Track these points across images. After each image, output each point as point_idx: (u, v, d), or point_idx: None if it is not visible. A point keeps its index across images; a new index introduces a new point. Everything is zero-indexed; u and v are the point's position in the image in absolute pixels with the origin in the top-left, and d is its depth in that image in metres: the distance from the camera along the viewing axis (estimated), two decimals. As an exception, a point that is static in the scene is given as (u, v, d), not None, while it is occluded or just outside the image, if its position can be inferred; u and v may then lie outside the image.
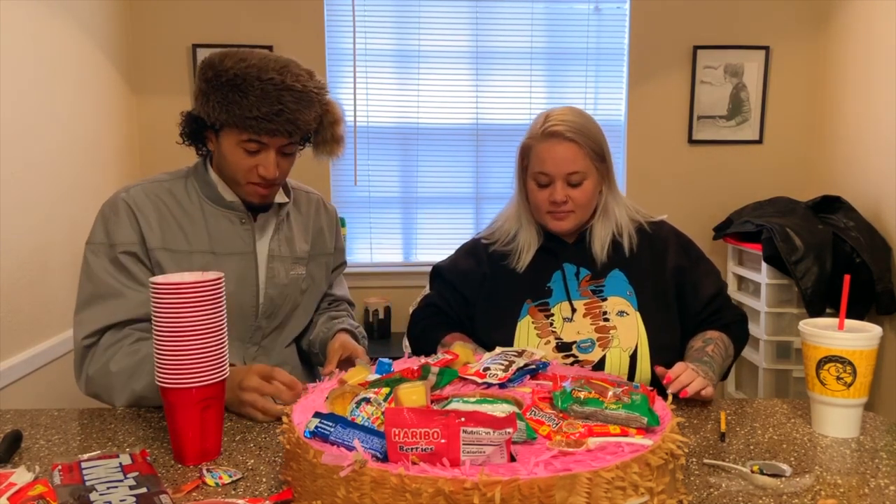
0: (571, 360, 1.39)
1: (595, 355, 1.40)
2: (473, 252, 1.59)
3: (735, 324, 1.52)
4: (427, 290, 1.70)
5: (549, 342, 1.42)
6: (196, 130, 1.39)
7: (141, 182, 1.43)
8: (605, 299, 1.46)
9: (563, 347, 1.42)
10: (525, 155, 1.49)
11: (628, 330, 1.42)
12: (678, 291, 1.50)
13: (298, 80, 1.33)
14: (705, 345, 1.43)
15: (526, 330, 1.45)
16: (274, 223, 1.48)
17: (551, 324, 1.44)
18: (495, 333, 1.46)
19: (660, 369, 1.32)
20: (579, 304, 1.46)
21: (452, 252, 1.65)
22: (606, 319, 1.44)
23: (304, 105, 1.33)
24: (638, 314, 1.44)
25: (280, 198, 1.48)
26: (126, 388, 1.28)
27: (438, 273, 1.63)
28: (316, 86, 1.37)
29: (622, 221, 1.51)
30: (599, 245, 1.49)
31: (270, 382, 1.23)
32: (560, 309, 1.46)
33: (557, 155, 1.42)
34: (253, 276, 1.44)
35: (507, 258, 1.53)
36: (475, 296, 1.53)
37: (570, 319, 1.44)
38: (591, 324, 1.43)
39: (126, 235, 1.35)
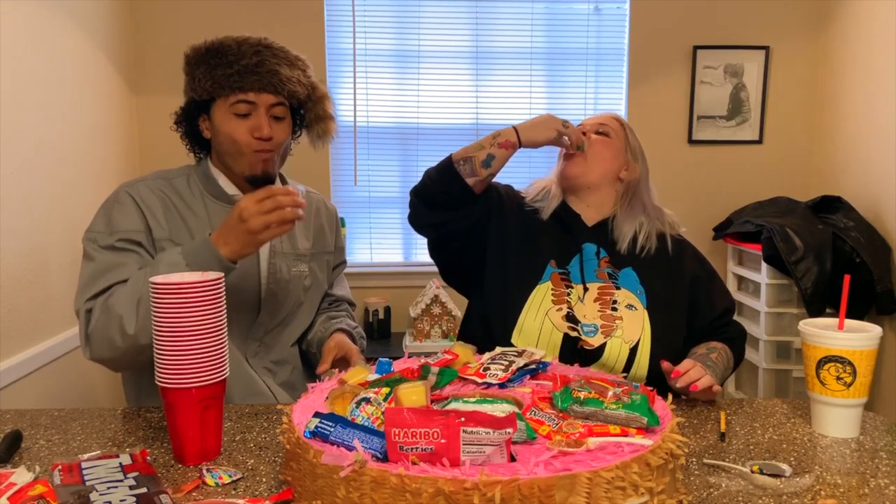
0: (575, 335, 1.40)
1: (596, 340, 1.41)
2: (514, 193, 1.63)
3: (738, 339, 1.54)
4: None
5: (560, 310, 1.43)
6: (190, 120, 1.43)
7: (142, 178, 1.43)
8: (619, 288, 1.47)
9: (571, 318, 1.43)
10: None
11: (634, 324, 1.43)
12: (691, 301, 1.51)
13: (276, 44, 1.40)
14: (709, 352, 1.43)
15: (543, 293, 1.46)
16: None
17: (568, 294, 1.46)
18: (516, 288, 1.47)
19: (666, 364, 1.32)
20: (592, 287, 1.47)
21: None
22: (615, 309, 1.45)
23: (285, 63, 1.39)
24: (646, 311, 1.45)
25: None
26: (131, 305, 1.22)
27: None
28: (296, 55, 1.43)
29: (647, 224, 1.53)
30: (620, 236, 1.52)
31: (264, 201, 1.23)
32: (576, 290, 1.47)
33: (597, 118, 1.59)
34: (255, 271, 1.45)
35: (534, 216, 1.55)
36: (499, 218, 1.53)
37: (581, 300, 1.45)
38: (599, 310, 1.44)
39: (130, 223, 1.34)
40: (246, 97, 1.36)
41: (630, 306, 1.45)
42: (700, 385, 1.25)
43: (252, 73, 1.35)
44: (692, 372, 1.27)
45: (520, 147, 1.45)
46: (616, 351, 1.40)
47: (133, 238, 1.34)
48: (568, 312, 1.43)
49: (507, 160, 1.46)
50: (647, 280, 1.49)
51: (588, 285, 1.47)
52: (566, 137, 1.47)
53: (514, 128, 1.45)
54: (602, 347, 1.40)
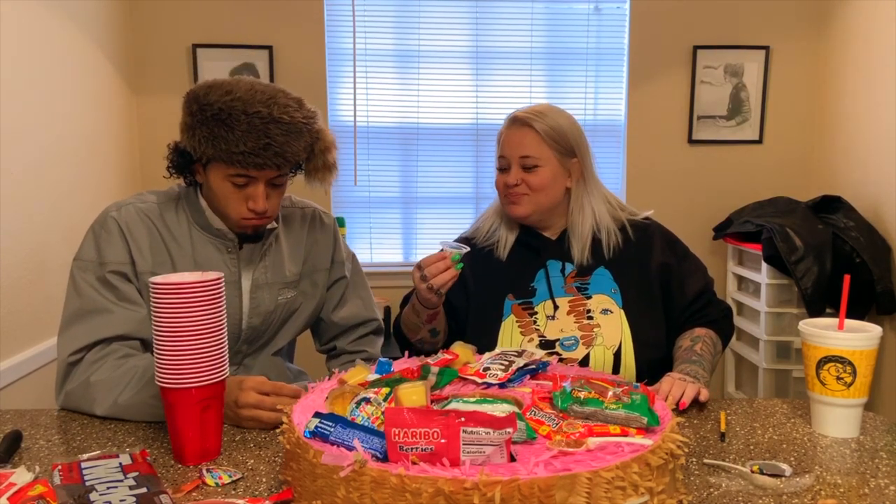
0: (556, 358, 1.40)
1: (579, 353, 1.41)
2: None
3: (721, 319, 1.52)
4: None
5: (532, 340, 1.43)
6: (183, 163, 1.37)
7: (132, 200, 1.40)
8: (589, 297, 1.47)
9: (546, 345, 1.42)
10: (497, 144, 1.55)
11: (612, 328, 1.43)
12: (663, 289, 1.50)
13: (286, 112, 1.29)
14: (693, 343, 1.43)
15: (510, 329, 1.46)
16: (260, 251, 1.44)
17: (535, 321, 1.45)
18: (479, 333, 1.46)
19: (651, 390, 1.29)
20: (563, 302, 1.46)
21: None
22: (590, 318, 1.44)
23: (293, 137, 1.30)
24: (622, 312, 1.45)
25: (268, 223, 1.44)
26: (108, 398, 1.23)
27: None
28: (305, 116, 1.33)
29: (601, 218, 1.51)
30: (579, 244, 1.49)
31: (269, 395, 1.19)
32: (543, 307, 1.46)
33: (513, 139, 1.49)
34: (236, 304, 1.42)
35: (491, 255, 1.54)
36: (456, 294, 1.51)
37: (553, 317, 1.45)
38: (575, 322, 1.44)
39: (116, 255, 1.33)
40: (247, 173, 1.30)
41: (605, 311, 1.45)
42: (686, 399, 1.23)
43: (257, 156, 1.27)
44: (674, 391, 1.24)
45: (437, 299, 1.39)
46: (600, 358, 1.40)
47: (120, 270, 1.33)
48: (540, 340, 1.43)
49: (439, 311, 1.45)
50: (619, 277, 1.48)
51: (558, 301, 1.46)
52: (431, 283, 1.35)
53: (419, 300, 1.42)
54: (586, 358, 1.40)
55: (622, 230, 1.52)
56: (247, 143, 1.26)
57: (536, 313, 1.46)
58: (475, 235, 1.59)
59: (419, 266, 1.36)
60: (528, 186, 1.47)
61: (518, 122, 1.50)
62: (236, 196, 1.33)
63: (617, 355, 1.41)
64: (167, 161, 1.39)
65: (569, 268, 1.49)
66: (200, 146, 1.29)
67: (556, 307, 1.46)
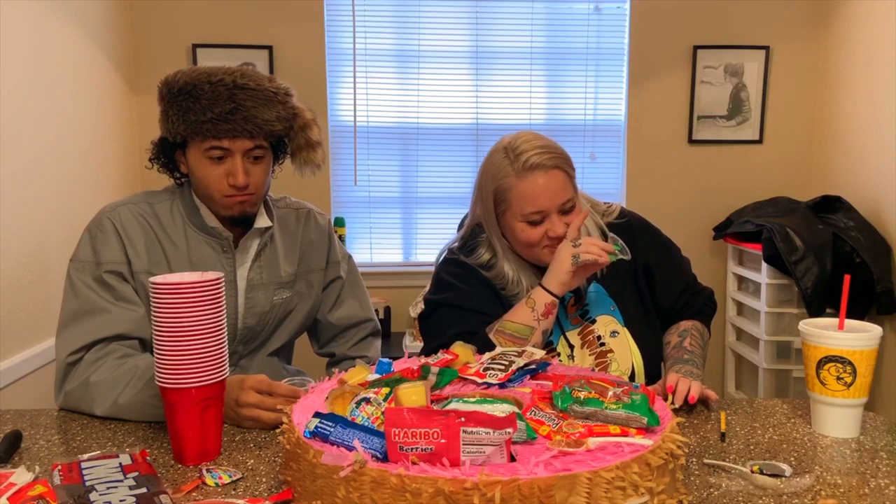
0: (556, 359, 1.39)
1: None
2: (480, 278, 1.44)
3: (704, 308, 1.52)
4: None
5: None
6: (167, 154, 1.38)
7: (127, 201, 1.40)
8: (594, 321, 1.44)
9: None
10: (501, 199, 1.37)
11: (623, 351, 1.42)
12: (649, 287, 1.48)
13: (252, 80, 1.31)
14: (682, 339, 1.43)
15: None
16: (255, 250, 1.44)
17: (559, 361, 1.42)
18: None
19: (657, 389, 1.27)
20: (574, 336, 1.44)
21: (438, 283, 1.48)
22: (602, 344, 1.43)
23: (261, 103, 1.31)
24: (626, 330, 1.43)
25: (263, 221, 1.43)
26: (107, 398, 1.23)
27: (446, 304, 1.43)
28: (275, 87, 1.34)
29: (592, 234, 1.44)
30: None
31: (270, 395, 1.20)
32: (561, 346, 1.44)
33: (548, 187, 1.32)
34: (232, 304, 1.41)
35: (499, 293, 1.44)
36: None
37: (572, 357, 1.43)
38: (591, 354, 1.43)
39: (112, 255, 1.33)
40: (220, 144, 1.30)
41: (613, 333, 1.43)
42: (694, 392, 1.23)
43: (226, 122, 1.28)
44: (680, 386, 1.24)
45: (573, 272, 1.32)
46: None
47: (116, 269, 1.33)
48: None
49: (556, 305, 1.36)
50: (614, 290, 1.45)
51: (570, 337, 1.43)
52: (581, 257, 1.31)
53: (542, 286, 1.34)
54: None
55: (603, 237, 1.44)
56: (213, 110, 1.28)
57: (559, 354, 1.43)
58: (479, 264, 1.45)
59: (569, 240, 1.32)
60: (570, 230, 1.36)
61: (542, 167, 1.32)
62: (216, 173, 1.33)
63: (630, 377, 1.41)
64: (150, 154, 1.41)
65: (567, 297, 1.45)
66: (174, 125, 1.32)
67: (571, 346, 1.43)
